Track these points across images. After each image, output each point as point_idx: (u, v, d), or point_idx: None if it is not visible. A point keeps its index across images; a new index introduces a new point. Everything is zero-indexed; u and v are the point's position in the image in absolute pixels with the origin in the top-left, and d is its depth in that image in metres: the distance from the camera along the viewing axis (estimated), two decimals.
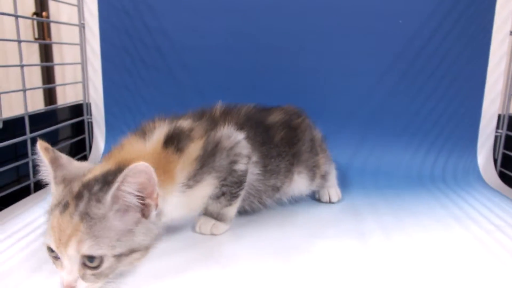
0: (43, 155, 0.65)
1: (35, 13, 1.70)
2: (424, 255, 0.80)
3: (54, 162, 0.65)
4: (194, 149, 0.78)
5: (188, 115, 0.88)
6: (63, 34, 1.71)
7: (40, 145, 0.65)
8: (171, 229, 0.87)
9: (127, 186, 0.59)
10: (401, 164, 1.36)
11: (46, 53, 1.77)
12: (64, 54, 1.74)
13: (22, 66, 1.10)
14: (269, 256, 0.78)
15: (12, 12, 1.06)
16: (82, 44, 1.41)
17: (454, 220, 0.98)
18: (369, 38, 1.33)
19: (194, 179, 0.76)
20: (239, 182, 0.85)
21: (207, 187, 0.80)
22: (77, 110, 1.45)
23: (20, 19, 1.08)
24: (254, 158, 0.88)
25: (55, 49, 1.74)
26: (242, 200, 0.90)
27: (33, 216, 0.95)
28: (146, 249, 0.64)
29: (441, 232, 0.92)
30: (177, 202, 0.74)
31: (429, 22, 1.31)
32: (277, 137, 0.96)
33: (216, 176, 0.80)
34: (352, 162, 1.37)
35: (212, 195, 0.83)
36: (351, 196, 1.15)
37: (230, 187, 0.83)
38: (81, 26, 1.39)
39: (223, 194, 0.84)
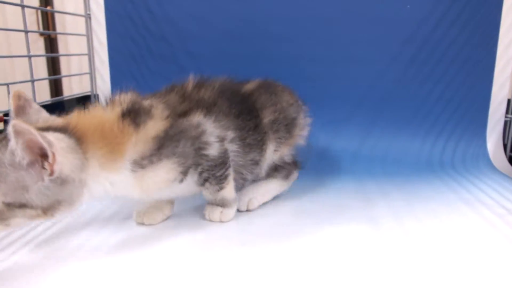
0: (12, 101, 0.68)
1: (40, 6, 1.70)
2: (436, 240, 0.80)
3: (19, 110, 0.68)
4: (153, 127, 0.74)
5: (160, 93, 0.85)
6: (68, 27, 1.71)
7: (14, 92, 0.68)
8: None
9: (15, 143, 0.59)
10: (410, 150, 1.36)
11: (51, 47, 1.77)
12: (69, 48, 1.74)
13: (29, 56, 1.10)
14: (279, 242, 0.78)
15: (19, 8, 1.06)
16: (89, 34, 1.41)
17: (465, 205, 0.98)
18: (377, 24, 1.32)
19: (149, 159, 0.72)
20: (221, 164, 0.82)
21: (166, 172, 0.75)
22: (85, 101, 1.44)
23: (25, 15, 1.08)
24: (231, 134, 0.85)
25: (60, 43, 1.74)
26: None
27: None
28: (44, 210, 0.64)
29: (453, 217, 0.91)
30: (126, 180, 0.71)
31: (438, 7, 1.30)
32: (256, 105, 0.93)
33: (178, 162, 0.76)
34: (361, 149, 1.36)
35: (197, 183, 0.81)
36: (361, 182, 1.14)
37: (211, 171, 0.81)
38: (87, 17, 1.39)
39: (206, 179, 0.82)
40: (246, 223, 0.88)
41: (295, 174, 1.04)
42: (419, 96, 1.37)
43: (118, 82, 1.44)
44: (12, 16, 1.66)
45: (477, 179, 1.19)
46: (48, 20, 1.71)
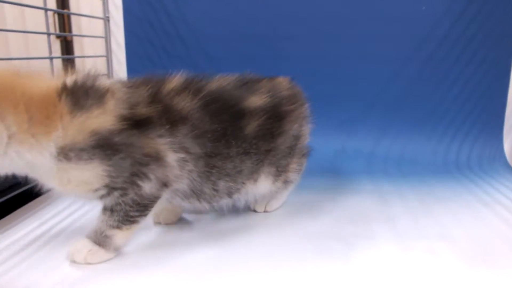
0: None
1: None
2: (453, 239, 0.80)
3: None
4: (97, 119, 0.62)
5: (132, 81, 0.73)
6: (83, 30, 1.73)
7: None
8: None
9: None
10: (426, 151, 1.36)
11: (67, 49, 1.79)
12: (85, 49, 1.76)
13: (51, 58, 1.12)
14: (300, 241, 0.79)
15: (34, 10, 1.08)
16: (107, 36, 1.43)
17: (482, 205, 0.98)
18: (393, 24, 1.32)
19: (78, 153, 0.62)
20: (142, 206, 0.69)
21: (91, 175, 0.64)
22: None
23: (42, 15, 1.10)
24: (190, 166, 0.71)
25: (76, 45, 1.76)
26: (183, 199, 0.76)
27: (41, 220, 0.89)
28: None
29: (470, 217, 0.92)
30: (47, 166, 0.62)
31: (454, 7, 1.29)
32: (250, 128, 0.77)
33: (109, 172, 0.64)
34: (377, 149, 1.36)
35: (105, 204, 0.69)
36: (377, 183, 1.15)
37: (129, 206, 0.68)
38: (106, 19, 1.41)
39: (112, 210, 0.68)
40: (266, 224, 0.88)
41: (304, 164, 0.96)
42: (435, 96, 1.37)
43: None
44: (31, 18, 1.69)
45: (494, 179, 1.18)
46: (64, 22, 1.73)
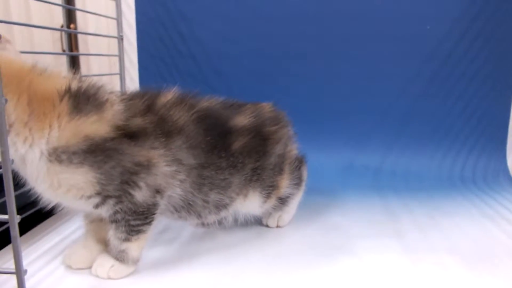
0: None
1: (63, 26, 1.77)
2: (461, 252, 0.83)
3: None
4: (93, 124, 0.64)
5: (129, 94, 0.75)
6: (90, 46, 1.77)
7: None
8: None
9: None
10: (432, 166, 1.38)
11: (73, 63, 1.83)
12: (91, 65, 1.80)
13: None
14: (312, 255, 0.82)
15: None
16: (121, 55, 1.47)
17: (488, 220, 1.01)
18: (398, 42, 1.36)
19: (69, 156, 0.63)
20: (140, 214, 0.71)
21: (82, 180, 0.65)
22: None
23: (49, 31, 1.13)
24: (182, 175, 0.73)
25: (82, 62, 1.80)
26: (173, 212, 0.78)
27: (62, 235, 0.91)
28: None
29: (476, 230, 0.95)
30: (37, 165, 0.63)
31: (458, 25, 1.33)
32: (237, 145, 0.81)
33: (99, 180, 0.65)
34: (383, 164, 1.39)
35: (108, 217, 0.71)
36: (384, 198, 1.18)
37: (128, 215, 0.70)
38: (120, 38, 1.45)
39: (117, 221, 0.70)
40: (276, 240, 0.91)
41: (305, 173, 1.00)
42: (440, 112, 1.40)
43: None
44: (38, 35, 1.73)
45: (499, 194, 1.21)
46: (71, 38, 1.77)
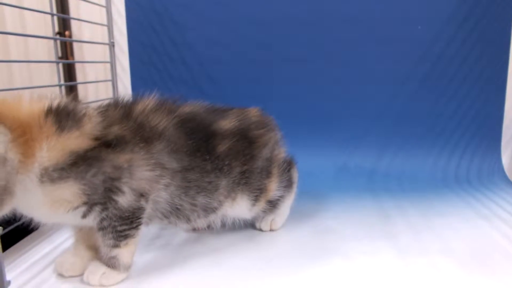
0: None
1: (58, 33, 1.77)
2: (455, 254, 0.83)
3: None
4: (76, 140, 0.65)
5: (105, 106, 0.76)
6: (85, 53, 1.77)
7: None
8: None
9: None
10: (426, 166, 1.39)
11: (69, 71, 1.83)
12: (87, 73, 1.80)
13: (60, 85, 1.16)
14: (305, 258, 0.82)
15: (37, 34, 1.11)
16: (112, 61, 1.47)
17: (483, 220, 1.01)
18: (390, 44, 1.36)
19: (59, 172, 0.63)
20: (126, 219, 0.71)
21: (69, 194, 0.66)
22: None
23: (44, 41, 1.13)
24: (166, 179, 0.74)
25: (78, 68, 1.80)
26: (161, 217, 0.78)
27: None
28: None
29: (471, 231, 0.94)
30: (33, 190, 0.63)
31: (448, 26, 1.34)
32: (222, 148, 0.81)
33: (83, 189, 0.66)
34: (377, 166, 1.39)
35: (95, 226, 0.71)
36: (378, 199, 1.17)
37: (113, 221, 0.70)
38: (111, 45, 1.45)
39: (104, 228, 0.71)
40: (269, 243, 0.91)
41: (295, 175, 1.00)
42: (433, 113, 1.40)
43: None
44: (32, 43, 1.73)
45: (494, 193, 1.21)
46: (66, 45, 1.77)
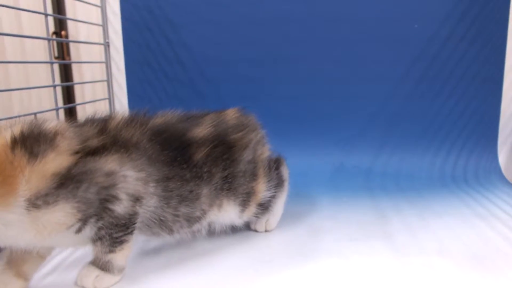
0: None
1: (54, 33, 1.77)
2: (451, 254, 0.82)
3: None
4: (53, 161, 0.63)
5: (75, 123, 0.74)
6: (82, 52, 1.77)
7: None
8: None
9: None
10: (423, 165, 1.38)
11: (65, 71, 1.82)
12: (83, 73, 1.79)
13: (55, 86, 1.15)
14: (301, 259, 0.81)
15: (33, 33, 1.10)
16: (107, 61, 1.46)
17: (480, 219, 1.00)
18: (387, 43, 1.36)
19: (44, 199, 0.61)
20: (122, 226, 0.70)
21: (61, 215, 0.63)
22: None
23: (41, 41, 1.13)
24: (151, 189, 0.73)
25: (74, 68, 1.79)
26: (144, 229, 0.77)
27: None
28: None
29: (467, 231, 0.94)
30: (19, 221, 0.61)
31: (445, 25, 1.33)
32: (198, 156, 0.80)
33: (78, 208, 0.64)
34: (374, 165, 1.39)
35: (89, 236, 0.70)
36: (375, 198, 1.17)
37: (109, 229, 0.69)
38: (106, 45, 1.45)
39: (101, 238, 0.70)
40: (264, 243, 0.90)
41: (285, 172, 0.99)
42: (429, 112, 1.40)
43: (136, 106, 1.49)
44: (29, 43, 1.73)
45: (490, 193, 1.21)
46: (62, 45, 1.76)
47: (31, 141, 0.62)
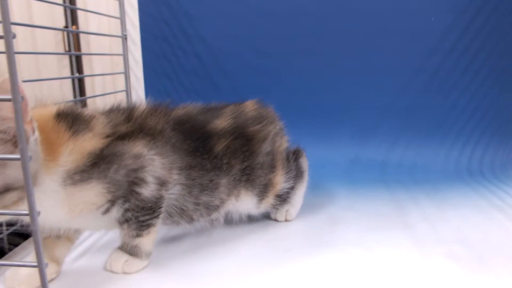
0: None
1: (65, 27, 1.78)
2: (471, 244, 0.83)
3: None
4: (90, 141, 0.66)
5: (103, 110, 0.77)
6: (92, 45, 1.77)
7: None
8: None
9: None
10: (438, 159, 1.38)
11: (77, 64, 1.83)
12: (94, 66, 1.80)
13: (73, 78, 1.17)
14: (323, 249, 0.83)
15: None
16: (125, 54, 1.48)
17: (497, 211, 1.01)
18: (402, 36, 1.36)
19: (80, 175, 0.64)
20: (149, 209, 0.72)
21: (93, 194, 0.66)
22: None
23: (52, 33, 1.13)
24: (175, 176, 0.75)
25: (85, 60, 1.81)
26: (165, 217, 0.78)
27: None
28: (23, 188, 0.54)
29: (486, 222, 0.95)
30: (55, 193, 0.63)
31: (461, 18, 1.33)
32: (219, 147, 0.82)
33: (107, 188, 0.66)
34: (389, 157, 1.39)
35: (117, 219, 0.72)
36: (391, 190, 1.18)
37: (136, 212, 0.71)
38: (124, 37, 1.46)
39: (127, 220, 0.72)
40: (284, 232, 0.92)
41: (305, 163, 1.00)
42: (445, 105, 1.40)
43: (153, 98, 1.50)
44: (40, 36, 1.74)
45: (507, 186, 1.21)
46: (73, 39, 1.77)
47: (73, 119, 0.66)
